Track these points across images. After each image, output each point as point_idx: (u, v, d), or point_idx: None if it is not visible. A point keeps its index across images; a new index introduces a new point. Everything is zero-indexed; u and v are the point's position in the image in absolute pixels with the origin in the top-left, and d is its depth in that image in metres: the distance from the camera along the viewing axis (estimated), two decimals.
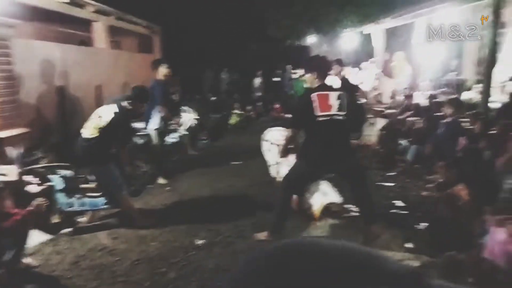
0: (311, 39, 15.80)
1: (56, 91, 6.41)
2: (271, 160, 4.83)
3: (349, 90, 4.90)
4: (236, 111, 10.98)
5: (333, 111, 3.32)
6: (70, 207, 3.86)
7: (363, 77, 10.56)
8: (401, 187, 5.04)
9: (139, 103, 4.08)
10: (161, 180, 5.57)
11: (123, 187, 4.01)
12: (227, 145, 8.53)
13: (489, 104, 5.65)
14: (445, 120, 5.29)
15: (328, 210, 4.09)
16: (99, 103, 7.37)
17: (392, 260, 0.65)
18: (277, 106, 12.29)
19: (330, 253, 0.66)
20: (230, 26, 15.24)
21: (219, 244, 3.66)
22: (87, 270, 3.26)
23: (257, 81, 14.52)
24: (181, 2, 14.62)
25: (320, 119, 3.30)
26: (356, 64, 12.09)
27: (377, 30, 11.09)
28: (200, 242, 3.69)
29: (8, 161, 4.16)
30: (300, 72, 12.97)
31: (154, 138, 5.59)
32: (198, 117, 7.61)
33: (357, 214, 4.00)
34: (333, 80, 5.29)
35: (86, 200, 3.95)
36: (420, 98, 7.81)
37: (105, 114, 3.88)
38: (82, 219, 4.17)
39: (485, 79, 5.70)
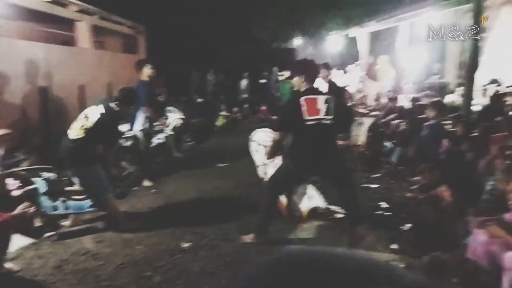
0: (297, 42, 15.90)
1: (39, 91, 6.28)
2: (259, 161, 4.84)
3: (336, 93, 4.95)
4: (222, 112, 10.95)
5: (321, 115, 3.33)
6: (55, 210, 3.78)
7: (348, 80, 10.67)
8: (386, 189, 5.09)
9: (126, 105, 4.03)
10: (146, 182, 5.51)
11: (109, 189, 3.96)
12: (213, 147, 8.50)
13: (471, 107, 5.77)
14: (428, 123, 5.37)
15: (314, 212, 4.11)
16: (82, 103, 7.28)
17: (403, 270, 0.65)
18: (264, 108, 12.31)
19: (341, 263, 0.65)
20: (216, 27, 15.21)
21: (204, 247, 3.64)
22: (70, 275, 3.20)
23: (244, 82, 14.51)
24: (167, 2, 14.53)
25: (308, 123, 3.31)
26: (342, 66, 12.21)
27: (361, 33, 11.23)
28: (185, 245, 3.66)
29: None
30: (286, 74, 13.06)
31: (139, 140, 5.53)
32: (183, 117, 7.55)
33: (343, 216, 4.03)
34: (320, 84, 5.32)
35: (71, 203, 3.88)
36: (404, 101, 7.92)
37: (91, 115, 3.83)
38: (65, 223, 4.10)
39: (467, 82, 5.82)
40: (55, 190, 3.79)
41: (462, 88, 6.70)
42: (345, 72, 11.62)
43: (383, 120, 7.12)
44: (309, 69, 3.57)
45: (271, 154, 3.93)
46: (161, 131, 6.62)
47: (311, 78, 3.52)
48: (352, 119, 6.99)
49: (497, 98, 5.66)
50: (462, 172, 4.02)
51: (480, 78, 6.55)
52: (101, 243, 3.75)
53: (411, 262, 3.16)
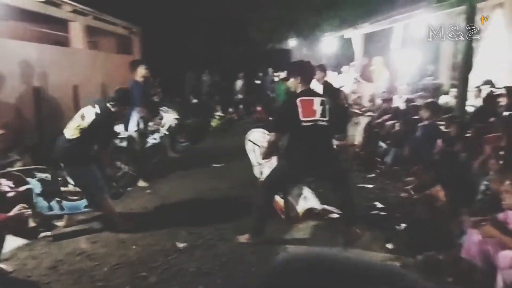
0: (292, 43, 15.94)
1: (32, 92, 6.23)
2: (254, 161, 4.84)
3: (332, 95, 4.96)
4: (217, 113, 10.94)
5: (317, 116, 3.34)
6: (50, 210, 3.75)
7: (343, 81, 10.71)
8: (381, 189, 5.12)
9: (122, 106, 4.01)
10: (141, 183, 5.49)
11: (105, 190, 3.95)
12: (208, 147, 8.49)
13: (465, 108, 5.82)
14: (422, 123, 5.41)
15: (310, 212, 4.11)
16: (76, 104, 7.24)
17: (403, 271, 0.66)
18: (259, 108, 12.33)
19: (339, 265, 0.65)
20: (211, 28, 15.19)
21: (200, 247, 3.63)
22: (65, 275, 3.18)
23: (239, 83, 14.52)
24: (162, 3, 14.49)
25: (304, 124, 3.31)
26: (336, 68, 12.26)
27: (356, 34, 11.28)
28: (181, 245, 3.65)
29: None
30: (282, 74, 13.09)
31: (134, 140, 5.51)
32: (178, 117, 7.53)
33: (338, 216, 4.05)
34: (315, 86, 5.33)
35: (66, 203, 3.85)
36: (398, 102, 7.96)
37: (87, 115, 3.82)
38: (60, 223, 4.07)
39: (461, 83, 5.87)
40: (50, 191, 3.76)
41: (455, 89, 6.76)
42: (339, 73, 11.67)
43: (378, 121, 7.15)
44: (306, 70, 3.58)
45: (266, 155, 3.94)
46: (156, 131, 6.60)
47: (307, 80, 3.53)
48: (348, 119, 7.03)
49: (491, 99, 5.71)
50: (456, 173, 4.04)
51: (474, 79, 6.61)
52: (96, 244, 3.73)
53: (406, 262, 3.18)
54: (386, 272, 0.65)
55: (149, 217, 4.46)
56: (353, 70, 10.98)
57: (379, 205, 4.52)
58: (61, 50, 7.66)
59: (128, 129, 5.51)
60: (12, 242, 3.52)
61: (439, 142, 4.94)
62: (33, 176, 3.67)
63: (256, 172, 4.78)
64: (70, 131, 3.80)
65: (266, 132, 4.77)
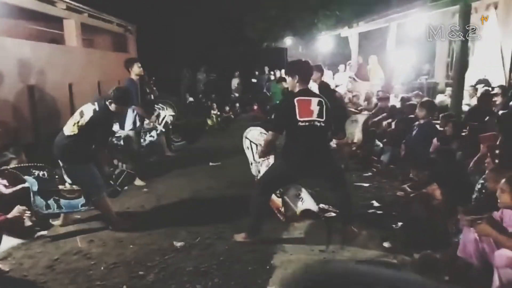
0: (288, 41, 15.95)
1: (27, 90, 6.19)
2: (251, 159, 4.84)
3: (329, 95, 4.95)
4: (214, 112, 10.92)
5: (314, 117, 3.33)
6: (48, 209, 3.72)
7: (339, 80, 10.74)
8: (377, 188, 5.14)
9: (120, 105, 3.99)
10: (138, 182, 5.47)
11: (102, 188, 3.93)
12: (205, 146, 8.47)
13: (461, 107, 5.85)
14: (418, 122, 5.44)
15: (307, 212, 4.12)
16: (71, 102, 7.20)
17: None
18: (255, 107, 12.34)
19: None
20: (207, 26, 15.15)
21: (198, 246, 3.62)
22: (62, 274, 3.16)
23: (235, 82, 14.51)
24: (157, 1, 14.43)
25: (301, 124, 3.31)
26: (332, 67, 12.29)
27: (352, 33, 11.31)
28: (178, 244, 3.64)
29: None
30: (278, 73, 13.09)
31: (131, 138, 5.49)
32: (173, 114, 7.49)
33: (335, 214, 4.06)
34: (312, 86, 5.34)
35: (64, 201, 3.82)
36: (393, 101, 7.99)
37: (86, 112, 3.81)
38: (56, 222, 4.05)
39: (457, 82, 5.90)
40: (47, 188, 3.73)
41: (450, 88, 6.79)
42: (337, 71, 11.70)
43: (374, 119, 7.18)
44: (304, 70, 3.55)
45: (264, 154, 3.94)
46: (152, 128, 6.58)
47: (305, 80, 3.52)
48: (346, 118, 7.05)
49: (485, 98, 5.75)
50: (452, 171, 4.07)
51: (469, 78, 6.65)
52: (93, 243, 3.72)
53: (403, 260, 3.19)
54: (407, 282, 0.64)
55: (146, 216, 4.45)
56: (348, 69, 11.01)
57: (375, 203, 4.53)
58: (56, 48, 7.61)
59: (124, 127, 5.48)
60: (8, 241, 3.50)
61: (435, 141, 4.97)
62: (30, 174, 3.64)
63: (253, 170, 4.78)
64: (69, 128, 3.80)
65: (263, 130, 4.77)
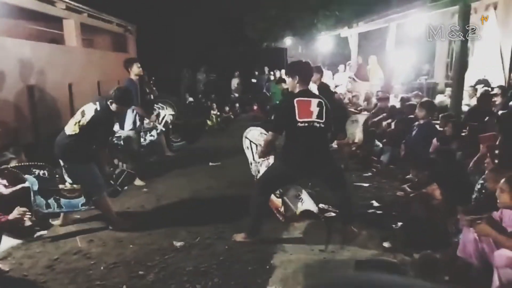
0: (288, 42, 15.96)
1: (27, 90, 6.19)
2: (251, 159, 4.84)
3: (329, 96, 4.96)
4: (213, 112, 10.93)
5: (313, 118, 3.32)
6: (48, 208, 3.72)
7: (339, 80, 10.75)
8: (377, 188, 5.14)
9: (121, 105, 3.99)
10: (138, 182, 5.47)
11: (103, 188, 3.93)
12: (205, 146, 8.47)
13: (461, 107, 5.86)
14: (417, 123, 5.44)
15: (306, 213, 4.12)
16: (71, 102, 7.20)
17: None
18: (255, 107, 12.34)
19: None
20: (207, 26, 15.15)
21: (198, 246, 3.63)
22: (61, 274, 3.16)
23: (234, 82, 14.51)
24: (157, 1, 14.43)
25: (300, 125, 3.30)
26: (332, 66, 12.29)
27: (351, 34, 11.31)
28: (178, 244, 3.64)
29: None
30: (277, 73, 13.09)
31: (131, 138, 5.49)
32: (173, 113, 7.49)
33: (335, 214, 4.06)
34: (311, 87, 5.34)
35: (64, 201, 3.81)
36: (393, 101, 8.00)
37: (88, 111, 3.82)
38: (56, 222, 4.05)
39: (456, 82, 5.91)
40: (48, 187, 3.73)
41: (450, 88, 6.80)
42: (334, 72, 11.70)
43: (374, 120, 7.18)
44: (304, 71, 3.54)
45: (263, 154, 3.94)
46: (153, 128, 6.58)
47: (305, 80, 3.51)
48: (347, 117, 7.05)
49: (485, 98, 5.76)
50: (452, 171, 4.07)
51: (468, 78, 6.66)
52: (93, 242, 3.72)
53: (403, 260, 3.20)
54: None
55: (146, 216, 4.45)
56: (347, 69, 11.02)
57: (375, 203, 4.54)
58: (56, 48, 7.61)
59: (124, 127, 5.48)
60: (8, 241, 3.50)
61: (435, 141, 4.97)
62: (31, 173, 3.64)
63: (253, 170, 4.78)
64: (70, 128, 3.81)
65: (263, 131, 4.77)
